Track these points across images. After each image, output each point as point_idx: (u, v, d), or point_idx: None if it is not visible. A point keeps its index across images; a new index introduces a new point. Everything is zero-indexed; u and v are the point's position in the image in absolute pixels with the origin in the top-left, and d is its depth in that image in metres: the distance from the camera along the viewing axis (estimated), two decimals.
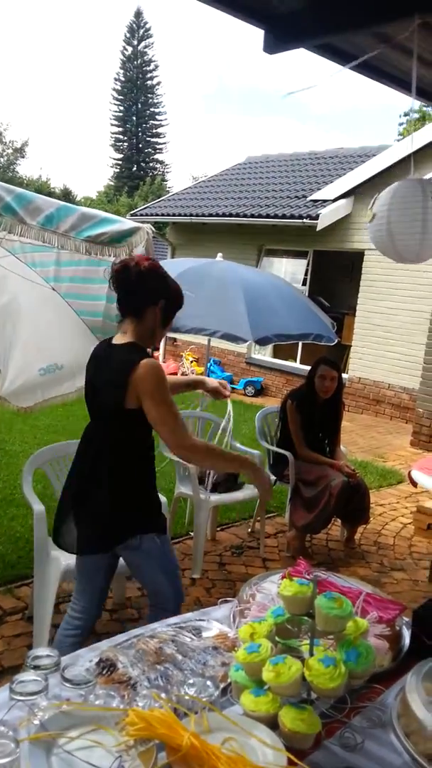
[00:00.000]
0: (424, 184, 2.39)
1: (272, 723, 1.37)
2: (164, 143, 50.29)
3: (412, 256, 2.51)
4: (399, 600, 1.87)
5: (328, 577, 1.78)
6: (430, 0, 2.16)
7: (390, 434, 8.49)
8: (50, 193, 29.90)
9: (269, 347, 11.52)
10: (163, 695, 1.44)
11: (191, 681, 1.48)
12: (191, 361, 11.96)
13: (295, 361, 11.07)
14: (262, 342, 3.91)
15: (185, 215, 12.26)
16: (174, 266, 4.39)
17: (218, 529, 4.80)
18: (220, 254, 4.61)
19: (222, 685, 1.53)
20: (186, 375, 11.96)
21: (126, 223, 2.85)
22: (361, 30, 2.45)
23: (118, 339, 2.33)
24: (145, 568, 2.43)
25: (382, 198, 2.42)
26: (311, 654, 1.43)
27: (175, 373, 12.31)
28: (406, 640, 1.77)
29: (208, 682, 1.48)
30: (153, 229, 2.88)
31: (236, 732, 1.33)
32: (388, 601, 1.81)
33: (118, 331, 2.38)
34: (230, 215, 11.30)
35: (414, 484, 3.68)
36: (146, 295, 2.25)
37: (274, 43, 2.67)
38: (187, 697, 1.43)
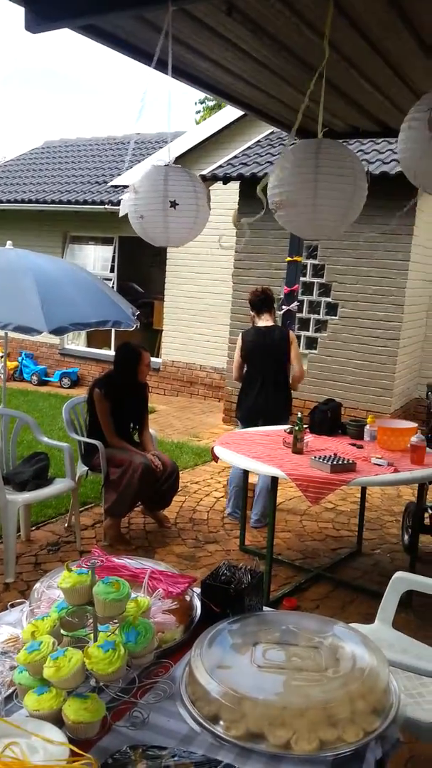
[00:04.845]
0: (168, 169, 2.46)
1: (59, 718, 1.35)
2: None
3: (162, 240, 2.58)
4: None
5: (103, 561, 1.78)
6: None
7: (204, 414, 8.78)
8: None
9: (82, 336, 11.32)
10: None
11: None
12: (0, 356, 11.35)
13: (110, 348, 10.99)
14: (58, 332, 3.80)
15: None
16: None
17: (33, 528, 4.64)
18: (9, 242, 4.39)
19: (9, 691, 1.48)
20: None
21: None
22: (121, 12, 2.45)
23: (264, 323, 4.69)
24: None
25: (137, 184, 2.47)
26: (95, 641, 1.43)
27: None
28: (198, 610, 1.84)
29: None
30: None
31: (21, 735, 1.29)
32: (178, 575, 1.87)
33: (260, 321, 4.71)
34: (30, 201, 10.84)
35: (216, 459, 3.84)
36: (273, 301, 4.77)
37: (36, 22, 2.56)
38: None
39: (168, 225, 2.44)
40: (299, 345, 7.37)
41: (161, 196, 2.39)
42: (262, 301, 4.72)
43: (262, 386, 4.65)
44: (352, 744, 1.34)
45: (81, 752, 1.23)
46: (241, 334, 4.80)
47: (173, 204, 2.38)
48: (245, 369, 4.76)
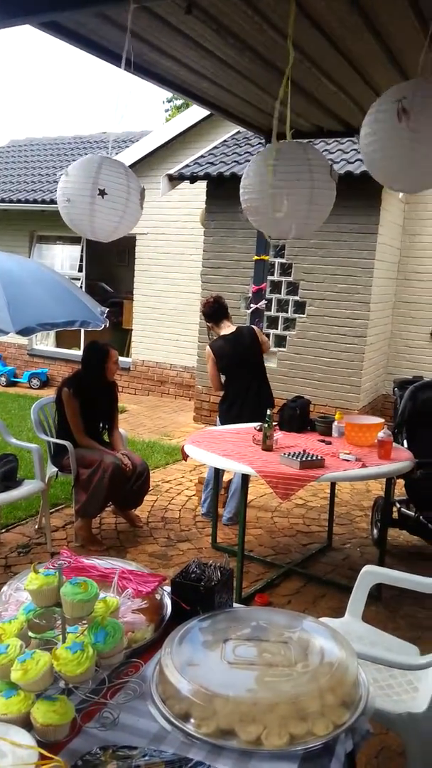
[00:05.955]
0: (103, 159, 2.45)
1: (27, 722, 1.33)
2: None
3: (87, 229, 2.55)
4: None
5: (71, 562, 1.76)
6: None
7: (175, 413, 8.77)
8: None
9: (51, 337, 11.21)
10: None
11: None
12: None
13: (79, 349, 10.89)
14: (25, 332, 3.74)
15: None
16: None
17: (3, 530, 4.58)
18: None
19: None
20: None
21: None
22: (83, 9, 2.43)
23: (228, 330, 4.66)
24: None
25: (70, 168, 2.45)
26: (64, 643, 1.42)
27: None
28: (168, 609, 1.84)
29: None
30: None
31: None
32: (148, 574, 1.86)
33: (222, 329, 4.68)
34: None
35: (185, 457, 3.83)
36: (227, 307, 4.77)
37: None
38: None
39: (94, 213, 2.42)
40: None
41: (91, 183, 2.38)
42: (216, 311, 4.71)
43: (249, 391, 4.63)
44: (322, 737, 1.35)
45: (50, 755, 1.22)
46: (209, 348, 4.70)
47: (101, 192, 2.37)
48: (224, 379, 4.70)
